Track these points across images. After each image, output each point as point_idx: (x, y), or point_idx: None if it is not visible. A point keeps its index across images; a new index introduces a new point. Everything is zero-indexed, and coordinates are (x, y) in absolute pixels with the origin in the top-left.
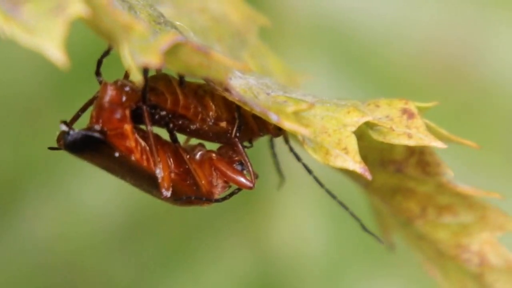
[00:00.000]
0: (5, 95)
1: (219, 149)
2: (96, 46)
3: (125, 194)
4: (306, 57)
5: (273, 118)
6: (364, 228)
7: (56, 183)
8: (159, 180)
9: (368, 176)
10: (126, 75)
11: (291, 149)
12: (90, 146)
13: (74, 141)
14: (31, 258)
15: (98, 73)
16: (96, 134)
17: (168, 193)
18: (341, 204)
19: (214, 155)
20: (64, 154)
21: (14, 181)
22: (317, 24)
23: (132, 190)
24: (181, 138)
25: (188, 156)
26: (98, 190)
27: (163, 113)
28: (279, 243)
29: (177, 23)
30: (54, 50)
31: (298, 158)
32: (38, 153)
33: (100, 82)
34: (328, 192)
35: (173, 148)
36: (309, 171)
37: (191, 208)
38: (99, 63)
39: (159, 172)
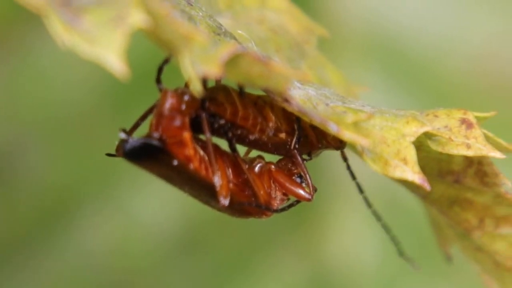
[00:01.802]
0: (62, 108)
1: (279, 161)
2: (153, 57)
3: (181, 210)
4: (360, 69)
5: (333, 128)
6: (400, 253)
7: (112, 198)
8: (217, 189)
9: (427, 186)
10: (186, 85)
11: (348, 167)
12: (149, 154)
13: (133, 149)
14: (86, 275)
15: (158, 81)
16: (155, 142)
17: (226, 201)
18: (385, 227)
19: (273, 166)
20: (120, 168)
21: (69, 193)
22: (371, 37)
23: (188, 206)
24: (241, 151)
25: (247, 167)
26: (154, 206)
27: (222, 121)
28: (332, 255)
29: (239, 31)
30: (114, 61)
31: (353, 177)
32: (94, 166)
33: (161, 90)
34: (375, 213)
35: (232, 158)
36: (361, 191)
37: (246, 222)
38: (160, 70)
39: (217, 180)
